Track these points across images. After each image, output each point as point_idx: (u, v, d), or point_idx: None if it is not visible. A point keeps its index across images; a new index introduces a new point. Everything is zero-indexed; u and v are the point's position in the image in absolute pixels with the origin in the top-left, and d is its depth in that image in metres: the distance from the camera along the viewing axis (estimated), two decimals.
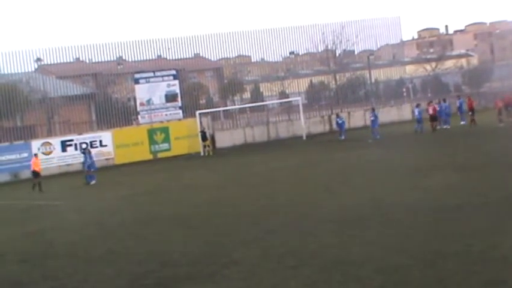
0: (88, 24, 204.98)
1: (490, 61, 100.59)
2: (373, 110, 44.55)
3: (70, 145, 43.21)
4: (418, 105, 43.90)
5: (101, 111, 49.57)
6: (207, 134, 45.82)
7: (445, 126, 43.07)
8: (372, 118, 43.13)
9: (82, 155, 36.38)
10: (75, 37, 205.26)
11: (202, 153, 44.62)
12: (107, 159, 44.64)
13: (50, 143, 43.77)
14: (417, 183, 20.50)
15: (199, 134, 45.54)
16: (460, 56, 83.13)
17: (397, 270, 10.93)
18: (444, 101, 45.34)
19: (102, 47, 50.60)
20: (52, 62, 50.48)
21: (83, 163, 35.34)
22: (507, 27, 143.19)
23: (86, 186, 32.92)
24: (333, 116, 50.67)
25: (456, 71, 70.73)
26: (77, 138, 44.26)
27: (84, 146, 40.35)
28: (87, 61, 52.79)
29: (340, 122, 45.58)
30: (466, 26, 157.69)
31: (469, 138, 35.22)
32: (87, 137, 44.78)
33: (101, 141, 44.90)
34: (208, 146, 45.21)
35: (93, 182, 33.61)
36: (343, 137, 43.80)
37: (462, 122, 43.95)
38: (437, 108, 43.22)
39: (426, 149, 32.99)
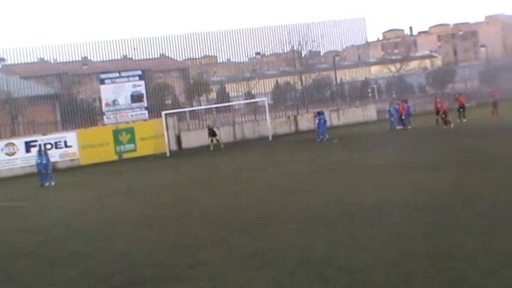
0: (52, 24, 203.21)
1: (453, 62, 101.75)
2: (322, 113, 44.15)
3: (34, 146, 42.43)
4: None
5: (65, 112, 49.17)
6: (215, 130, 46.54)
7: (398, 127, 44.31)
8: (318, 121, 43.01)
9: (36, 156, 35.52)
10: (40, 37, 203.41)
11: (222, 147, 44.87)
12: (71, 160, 44.30)
13: (13, 144, 43.23)
14: (382, 184, 20.64)
15: (208, 131, 46.05)
16: (424, 57, 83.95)
17: (362, 270, 11.03)
18: (406, 101, 45.84)
19: (67, 47, 50.31)
20: (16, 62, 50.01)
21: (37, 164, 34.29)
22: (469, 29, 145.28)
23: (50, 187, 32.47)
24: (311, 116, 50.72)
25: (420, 72, 71.45)
26: (41, 138, 43.72)
27: (37, 149, 38.97)
28: (52, 61, 52.39)
29: (322, 121, 44.50)
30: (430, 28, 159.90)
31: (433, 139, 35.68)
32: (52, 137, 44.31)
33: (65, 142, 44.42)
34: (218, 140, 45.49)
35: (52, 183, 33.15)
36: (321, 137, 42.07)
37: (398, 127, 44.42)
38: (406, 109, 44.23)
39: (392, 149, 33.21)
